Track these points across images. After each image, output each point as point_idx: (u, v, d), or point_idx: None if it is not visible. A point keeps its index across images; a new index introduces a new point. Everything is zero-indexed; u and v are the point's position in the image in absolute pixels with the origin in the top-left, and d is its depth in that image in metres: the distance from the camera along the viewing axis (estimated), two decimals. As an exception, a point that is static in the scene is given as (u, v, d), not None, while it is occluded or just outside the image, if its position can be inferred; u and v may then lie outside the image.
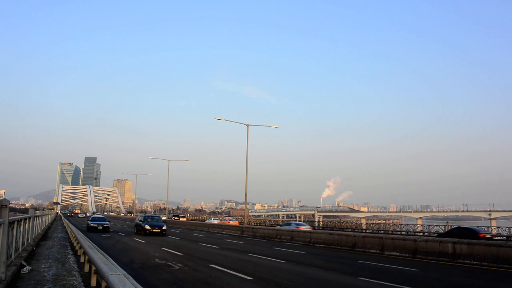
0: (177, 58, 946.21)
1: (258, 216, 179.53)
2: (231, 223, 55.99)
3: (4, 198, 9.29)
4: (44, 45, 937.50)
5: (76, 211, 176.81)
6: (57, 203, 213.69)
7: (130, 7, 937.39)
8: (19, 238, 13.38)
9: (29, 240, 17.17)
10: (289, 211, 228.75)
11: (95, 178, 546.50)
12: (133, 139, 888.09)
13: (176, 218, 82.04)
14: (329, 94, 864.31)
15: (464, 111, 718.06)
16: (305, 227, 34.79)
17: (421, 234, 38.15)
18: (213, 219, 68.26)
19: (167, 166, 78.23)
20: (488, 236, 28.89)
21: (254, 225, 56.26)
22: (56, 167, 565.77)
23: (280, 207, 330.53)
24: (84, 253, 12.75)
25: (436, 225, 42.51)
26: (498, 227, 39.86)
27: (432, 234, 37.70)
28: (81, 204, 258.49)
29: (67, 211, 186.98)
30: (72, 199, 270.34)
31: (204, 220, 73.12)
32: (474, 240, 19.30)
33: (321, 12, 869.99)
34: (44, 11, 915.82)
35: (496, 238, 32.16)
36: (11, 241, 10.88)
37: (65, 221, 33.43)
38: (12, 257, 11.25)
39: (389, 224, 60.25)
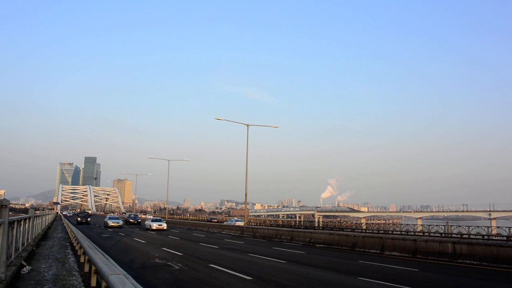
0: (177, 59, 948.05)
1: (258, 216, 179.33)
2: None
3: (4, 198, 9.29)
4: (45, 45, 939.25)
5: (89, 211, 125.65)
6: (57, 203, 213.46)
7: (131, 8, 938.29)
8: (19, 238, 13.37)
9: (29, 240, 17.17)
10: (289, 211, 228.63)
11: (95, 178, 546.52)
12: (133, 139, 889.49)
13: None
14: (329, 94, 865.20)
15: (464, 111, 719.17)
16: None
17: (421, 234, 38.08)
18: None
19: (167, 166, 78.37)
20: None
21: (254, 225, 56.26)
22: (56, 167, 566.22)
23: (280, 207, 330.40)
24: (84, 253, 12.74)
25: (436, 225, 42.32)
26: (498, 227, 39.76)
27: (432, 234, 37.67)
28: (81, 204, 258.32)
29: (75, 212, 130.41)
30: (72, 199, 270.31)
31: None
32: (474, 240, 19.29)
33: (321, 12, 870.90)
34: (44, 11, 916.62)
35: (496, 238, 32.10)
36: (11, 241, 10.88)
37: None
38: (12, 257, 11.25)
39: (389, 224, 60.12)
